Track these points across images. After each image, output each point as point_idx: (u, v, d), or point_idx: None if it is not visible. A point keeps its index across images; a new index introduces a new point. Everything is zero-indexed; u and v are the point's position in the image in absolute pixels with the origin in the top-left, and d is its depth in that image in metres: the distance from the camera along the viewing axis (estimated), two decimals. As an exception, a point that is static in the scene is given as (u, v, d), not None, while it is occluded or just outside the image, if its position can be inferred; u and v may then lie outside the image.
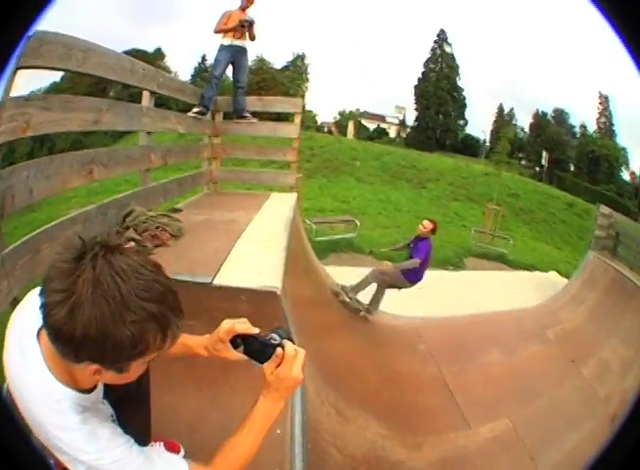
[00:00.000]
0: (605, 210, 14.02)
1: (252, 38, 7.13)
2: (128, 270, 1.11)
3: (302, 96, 42.51)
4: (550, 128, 53.32)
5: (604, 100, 54.69)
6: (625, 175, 53.11)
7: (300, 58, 54.68)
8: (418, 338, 7.78)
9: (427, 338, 7.81)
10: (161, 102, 6.00)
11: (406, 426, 5.51)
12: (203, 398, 2.94)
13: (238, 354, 1.59)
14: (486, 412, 6.38)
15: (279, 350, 1.47)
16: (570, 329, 9.42)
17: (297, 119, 7.62)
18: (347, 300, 7.42)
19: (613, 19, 1.00)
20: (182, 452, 2.50)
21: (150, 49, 52.97)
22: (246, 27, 6.93)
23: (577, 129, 56.11)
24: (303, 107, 9.36)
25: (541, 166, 46.19)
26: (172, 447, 2.47)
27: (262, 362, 1.49)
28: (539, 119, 54.45)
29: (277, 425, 2.58)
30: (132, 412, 1.62)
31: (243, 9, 7.01)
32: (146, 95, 4.92)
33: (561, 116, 56.00)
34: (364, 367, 6.17)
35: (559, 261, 16.27)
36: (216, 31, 6.98)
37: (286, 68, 53.66)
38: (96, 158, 3.67)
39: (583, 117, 61.76)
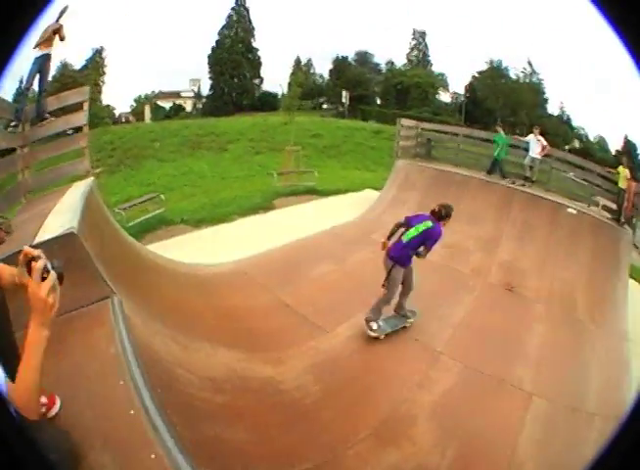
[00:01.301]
0: (408, 122, 16.04)
1: (62, 39, 7.43)
2: None
3: (95, 85, 40.50)
4: (351, 70, 55.47)
5: (418, 35, 58.25)
6: (447, 97, 58.16)
7: (98, 52, 51.20)
8: (244, 275, 8.24)
9: (254, 273, 8.28)
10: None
11: (260, 347, 5.97)
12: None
13: (31, 280, 1.62)
14: (337, 315, 6.93)
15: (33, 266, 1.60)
16: (392, 226, 10.54)
17: (86, 106, 7.85)
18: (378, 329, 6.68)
19: (613, 19, 1.04)
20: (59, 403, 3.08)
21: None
22: (56, 34, 7.26)
23: (384, 66, 58.90)
24: (91, 94, 9.44)
25: (343, 105, 48.40)
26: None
27: None
28: (339, 64, 56.24)
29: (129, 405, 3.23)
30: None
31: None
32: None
33: (364, 57, 58.35)
34: (199, 308, 6.53)
35: (373, 181, 17.13)
36: (35, 46, 7.16)
37: (85, 66, 50.09)
38: None
39: (392, 54, 66.32)
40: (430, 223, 6.55)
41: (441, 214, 6.60)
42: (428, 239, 6.46)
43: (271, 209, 13.33)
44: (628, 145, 47.74)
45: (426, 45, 59.00)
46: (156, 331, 4.94)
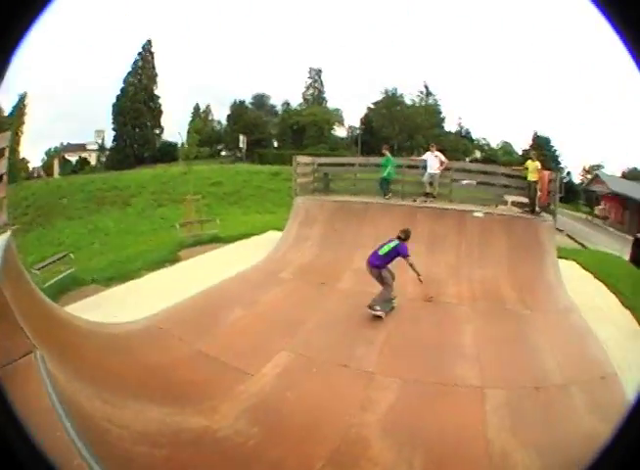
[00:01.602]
0: (304, 159, 16.33)
1: None
2: None
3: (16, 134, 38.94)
4: (248, 114, 56.18)
5: (314, 73, 60.29)
6: (343, 132, 60.37)
7: (22, 99, 48.51)
8: (159, 330, 8.02)
9: (169, 326, 8.09)
10: None
11: (189, 399, 5.80)
12: None
13: None
14: (258, 357, 6.91)
15: None
16: (307, 262, 10.86)
17: (6, 153, 7.53)
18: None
19: (613, 19, 1.04)
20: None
21: None
22: None
23: (280, 108, 60.50)
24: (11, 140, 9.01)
25: (241, 151, 48.64)
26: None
27: None
28: (236, 108, 56.88)
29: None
30: None
31: None
32: None
33: (260, 100, 59.64)
34: (120, 366, 6.27)
35: (275, 222, 17.23)
36: None
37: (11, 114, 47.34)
38: None
39: (289, 94, 67.95)
40: (397, 242, 8.93)
41: (402, 237, 9.03)
42: (399, 252, 8.79)
43: (177, 261, 13.14)
44: (539, 140, 52.21)
45: (321, 82, 61.17)
46: (79, 388, 4.67)
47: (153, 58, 55.39)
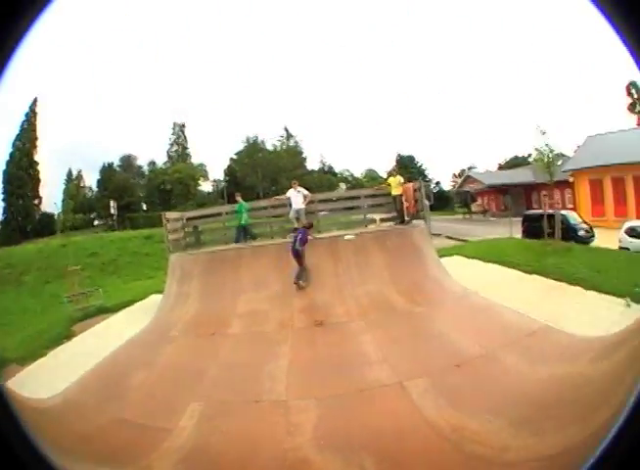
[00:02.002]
0: (173, 215, 16.10)
1: None
2: None
3: None
4: (117, 177, 54.25)
5: (178, 129, 60.17)
6: (208, 186, 60.76)
7: None
8: (75, 402, 7.87)
9: (78, 398, 7.92)
10: None
11: (124, 463, 5.73)
12: None
13: None
14: (172, 412, 6.79)
15: None
16: (192, 317, 10.79)
17: None
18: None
19: (613, 19, 1.04)
20: None
21: None
22: None
23: (146, 168, 59.64)
24: None
25: (112, 217, 45.20)
26: None
27: None
28: (105, 172, 54.25)
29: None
30: None
31: None
32: None
33: (128, 161, 58.02)
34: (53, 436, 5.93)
35: (155, 286, 17.01)
36: None
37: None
38: None
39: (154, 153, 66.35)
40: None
41: (307, 226, 11.98)
42: (301, 235, 11.24)
43: (72, 336, 12.69)
44: (402, 160, 56.50)
45: (185, 138, 60.96)
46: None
47: (35, 118, 50.04)
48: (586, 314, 8.40)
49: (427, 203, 14.54)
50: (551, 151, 19.00)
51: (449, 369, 6.74)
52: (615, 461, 1.08)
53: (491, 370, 6.58)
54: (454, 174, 61.80)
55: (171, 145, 60.59)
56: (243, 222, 14.19)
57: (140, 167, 59.58)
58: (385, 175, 49.92)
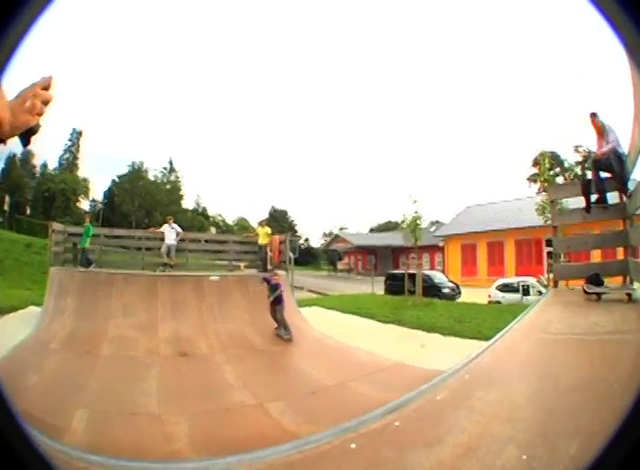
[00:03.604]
0: (58, 227, 15.69)
1: None
2: None
3: None
4: (16, 171, 49.67)
5: (75, 135, 54.40)
6: (86, 205, 55.40)
7: None
8: None
9: None
10: None
11: None
12: None
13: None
14: (63, 414, 6.79)
15: None
16: (69, 333, 10.65)
17: None
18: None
19: (612, 19, 1.03)
20: None
21: None
22: None
23: (39, 169, 54.27)
24: None
25: (4, 213, 42.91)
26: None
27: None
28: (8, 164, 50.38)
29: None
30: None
31: None
32: None
33: (27, 156, 52.13)
34: None
35: (33, 298, 15.25)
36: None
37: None
38: None
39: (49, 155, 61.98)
40: None
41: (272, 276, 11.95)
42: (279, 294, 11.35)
43: None
44: (275, 213, 56.92)
45: (78, 146, 57.53)
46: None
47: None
48: (443, 354, 9.09)
49: (291, 255, 15.56)
50: (417, 218, 20.97)
51: (306, 395, 7.56)
52: (615, 461, 1.07)
53: (343, 395, 7.35)
54: (324, 233, 63.65)
55: (64, 152, 56.77)
56: (85, 245, 14.40)
57: (34, 167, 54.37)
58: (256, 225, 52.39)
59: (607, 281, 6.48)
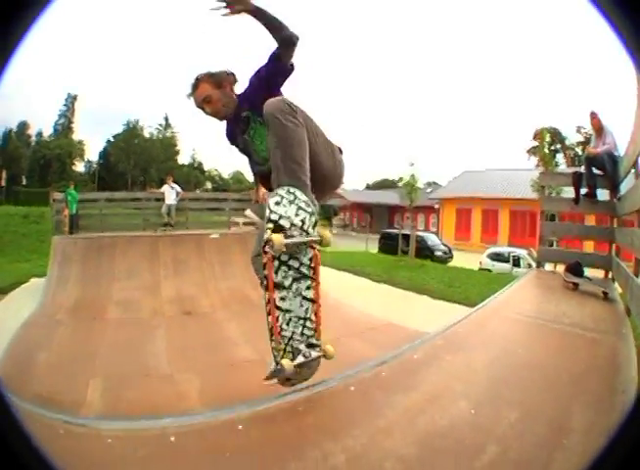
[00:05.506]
0: (58, 195, 15.78)
1: None
2: None
3: None
4: (11, 144, 51.06)
5: (70, 100, 57.02)
6: (82, 167, 58.08)
7: None
8: None
9: None
10: None
11: None
12: None
13: None
14: (79, 386, 6.78)
15: None
16: (74, 302, 10.91)
17: None
18: None
19: (612, 19, 1.01)
20: None
21: None
22: None
23: (34, 138, 55.74)
24: None
25: (1, 188, 42.10)
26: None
27: None
28: (5, 138, 51.25)
29: None
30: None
31: None
32: None
33: (22, 128, 54.25)
34: None
35: (33, 269, 16.19)
36: None
37: None
38: None
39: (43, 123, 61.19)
40: None
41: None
42: None
43: None
44: None
45: (73, 111, 58.07)
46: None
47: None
48: (431, 316, 9.17)
49: None
50: (415, 180, 21.35)
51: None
52: (615, 461, 1.03)
53: (339, 350, 7.88)
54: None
55: (59, 117, 57.38)
56: (73, 211, 14.59)
57: (29, 137, 55.81)
58: (251, 180, 52.64)
59: (590, 272, 6.50)
